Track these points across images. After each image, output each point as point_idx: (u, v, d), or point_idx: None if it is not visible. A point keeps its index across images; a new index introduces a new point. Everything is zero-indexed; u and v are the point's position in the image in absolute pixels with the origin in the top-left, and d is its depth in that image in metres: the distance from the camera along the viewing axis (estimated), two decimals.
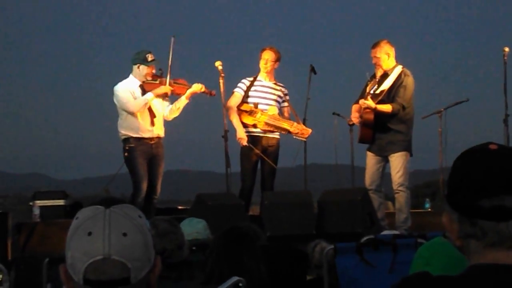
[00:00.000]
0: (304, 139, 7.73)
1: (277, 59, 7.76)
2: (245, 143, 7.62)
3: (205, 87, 7.58)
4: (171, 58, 7.50)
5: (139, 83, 7.44)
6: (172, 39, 7.52)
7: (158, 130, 7.47)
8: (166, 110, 7.55)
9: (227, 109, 7.72)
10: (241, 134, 7.65)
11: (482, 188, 1.50)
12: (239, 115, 7.71)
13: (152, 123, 7.42)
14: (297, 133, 7.63)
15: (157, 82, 7.48)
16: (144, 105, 7.37)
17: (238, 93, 7.75)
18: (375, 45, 7.48)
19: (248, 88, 7.76)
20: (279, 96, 7.83)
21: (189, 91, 7.50)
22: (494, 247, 1.51)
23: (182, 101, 7.54)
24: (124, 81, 7.51)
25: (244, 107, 7.73)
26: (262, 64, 7.75)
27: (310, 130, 7.69)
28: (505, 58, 8.25)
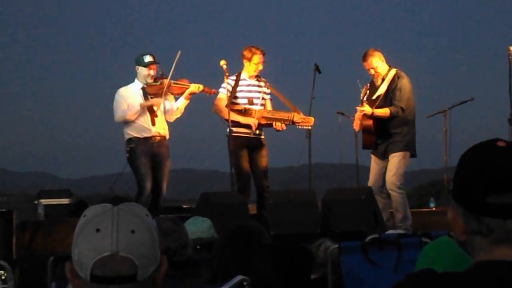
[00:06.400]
0: (309, 128, 7.69)
1: (264, 55, 7.75)
2: (255, 126, 7.56)
3: (204, 86, 7.57)
4: (173, 70, 7.48)
5: (141, 85, 7.47)
6: (178, 54, 7.50)
7: (160, 129, 7.46)
8: (168, 111, 7.55)
9: (217, 111, 7.65)
10: (249, 121, 7.61)
11: (489, 185, 1.49)
12: (232, 115, 7.60)
13: (153, 123, 7.43)
14: (300, 122, 7.61)
15: (158, 84, 7.47)
16: (134, 114, 7.35)
17: (223, 93, 7.64)
18: (366, 56, 7.40)
19: (234, 88, 7.70)
20: (264, 93, 7.82)
21: (187, 91, 7.48)
22: (500, 244, 1.50)
23: (182, 102, 7.54)
24: (129, 85, 7.54)
25: (237, 107, 7.65)
26: (253, 67, 7.65)
27: (312, 118, 7.67)
28: (510, 57, 8.21)
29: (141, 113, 7.42)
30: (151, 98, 7.46)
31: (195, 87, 7.50)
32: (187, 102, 7.56)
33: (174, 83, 7.51)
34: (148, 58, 7.46)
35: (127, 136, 7.46)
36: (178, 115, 7.60)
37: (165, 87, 7.41)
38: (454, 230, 1.57)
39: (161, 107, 7.50)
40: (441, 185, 11.48)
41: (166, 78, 7.48)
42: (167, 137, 7.58)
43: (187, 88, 7.50)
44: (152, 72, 7.47)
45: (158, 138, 7.45)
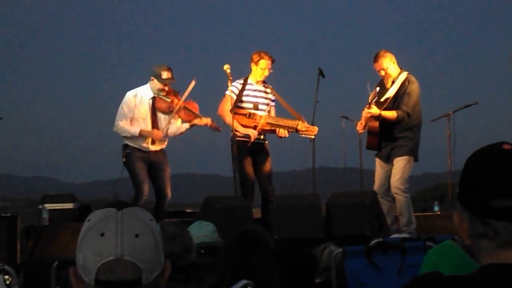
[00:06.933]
0: (313, 137, 7.70)
1: (273, 63, 7.75)
2: (254, 137, 7.58)
3: (212, 122, 7.57)
4: (186, 96, 7.48)
5: (152, 95, 7.44)
6: (193, 82, 7.52)
7: (158, 146, 7.47)
8: (171, 129, 7.51)
9: (221, 113, 7.66)
10: (248, 131, 7.60)
11: (495, 188, 1.49)
12: (237, 119, 7.59)
13: (153, 142, 7.42)
14: (304, 130, 7.61)
15: (169, 100, 7.44)
16: (131, 137, 7.35)
17: (231, 96, 7.63)
18: (377, 57, 7.39)
19: (240, 92, 7.70)
20: (270, 99, 7.82)
21: (193, 122, 7.51)
22: (506, 247, 1.50)
23: (185, 128, 7.54)
24: (139, 88, 7.50)
25: (242, 111, 7.66)
26: (260, 72, 7.64)
27: (316, 128, 7.66)
28: None
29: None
30: (158, 112, 7.43)
31: (201, 121, 7.50)
32: (190, 129, 7.57)
33: (185, 108, 7.49)
34: (165, 75, 7.37)
35: (124, 141, 7.46)
36: (176, 136, 7.62)
37: (175, 109, 7.40)
38: (459, 234, 1.57)
39: (164, 123, 7.46)
40: (445, 189, 11.47)
41: (178, 96, 7.46)
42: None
43: (195, 118, 7.50)
44: (167, 88, 7.44)
45: (155, 151, 7.46)
